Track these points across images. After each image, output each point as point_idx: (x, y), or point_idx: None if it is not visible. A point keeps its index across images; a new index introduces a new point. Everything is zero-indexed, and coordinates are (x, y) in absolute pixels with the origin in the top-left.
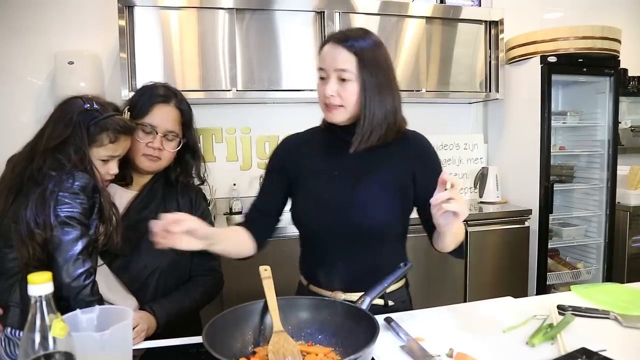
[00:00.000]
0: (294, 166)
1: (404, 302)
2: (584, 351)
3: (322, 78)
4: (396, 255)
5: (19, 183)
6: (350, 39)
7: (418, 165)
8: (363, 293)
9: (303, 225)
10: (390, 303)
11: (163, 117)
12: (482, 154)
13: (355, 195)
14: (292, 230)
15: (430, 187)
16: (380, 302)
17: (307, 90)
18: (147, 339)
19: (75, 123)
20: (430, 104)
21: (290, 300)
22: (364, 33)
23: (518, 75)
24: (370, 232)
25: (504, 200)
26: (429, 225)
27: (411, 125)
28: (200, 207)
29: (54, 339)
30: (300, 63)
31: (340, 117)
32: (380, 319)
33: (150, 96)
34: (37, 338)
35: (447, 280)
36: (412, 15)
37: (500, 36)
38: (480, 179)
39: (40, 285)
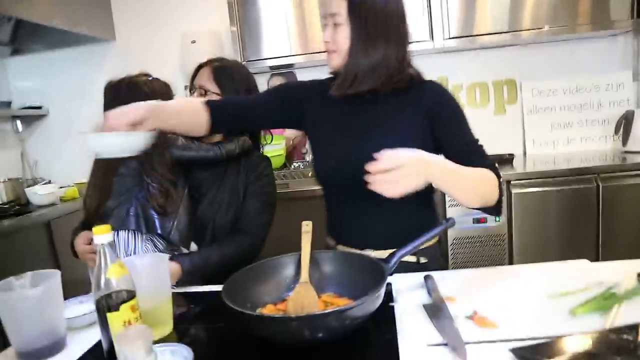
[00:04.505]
0: (311, 114)
1: (438, 259)
2: (634, 327)
3: (325, 25)
4: (428, 208)
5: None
6: None
7: (434, 113)
8: (394, 250)
9: (327, 183)
10: (423, 260)
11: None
12: (629, 95)
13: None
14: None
15: (451, 134)
16: (413, 259)
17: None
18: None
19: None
20: (558, 42)
21: (323, 254)
22: None
23: None
24: None
25: None
26: None
27: (537, 68)
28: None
29: (116, 279)
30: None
31: (335, 62)
32: (420, 276)
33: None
34: (103, 278)
35: (577, 235)
36: None
37: None
38: (624, 124)
39: (103, 235)
